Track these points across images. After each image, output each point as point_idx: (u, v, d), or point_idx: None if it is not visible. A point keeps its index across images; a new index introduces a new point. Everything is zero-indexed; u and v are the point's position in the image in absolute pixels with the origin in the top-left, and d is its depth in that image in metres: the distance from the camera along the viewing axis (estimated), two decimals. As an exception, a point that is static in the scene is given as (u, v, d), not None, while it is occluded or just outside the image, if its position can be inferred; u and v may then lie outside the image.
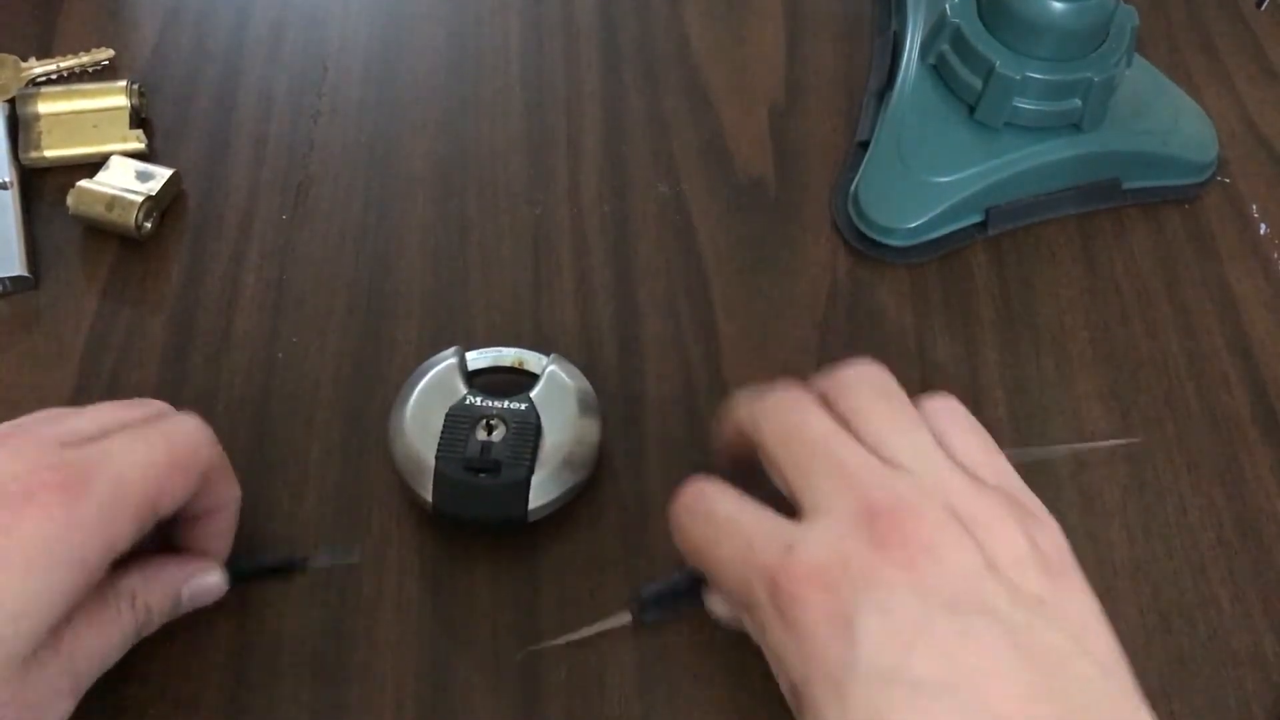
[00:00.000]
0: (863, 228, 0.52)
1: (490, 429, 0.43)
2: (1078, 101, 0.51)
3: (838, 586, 0.30)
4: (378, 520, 0.44)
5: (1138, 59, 0.54)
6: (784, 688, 0.32)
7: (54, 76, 0.56)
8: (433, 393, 0.44)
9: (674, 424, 0.47)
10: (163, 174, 0.51)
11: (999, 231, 0.53)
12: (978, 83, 0.51)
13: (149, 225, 0.51)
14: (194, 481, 0.37)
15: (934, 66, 0.54)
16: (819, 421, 0.34)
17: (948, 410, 0.36)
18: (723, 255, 0.52)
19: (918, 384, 0.48)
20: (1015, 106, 0.51)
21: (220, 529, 0.40)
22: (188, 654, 0.41)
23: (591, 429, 0.44)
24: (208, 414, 0.39)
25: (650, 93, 0.58)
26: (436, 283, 0.51)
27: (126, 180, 0.51)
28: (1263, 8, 0.62)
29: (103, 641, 0.35)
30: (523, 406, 0.43)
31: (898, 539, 0.30)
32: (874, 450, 0.33)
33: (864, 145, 0.54)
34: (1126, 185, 0.54)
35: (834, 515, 0.32)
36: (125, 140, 0.53)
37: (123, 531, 0.34)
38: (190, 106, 0.56)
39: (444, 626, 0.42)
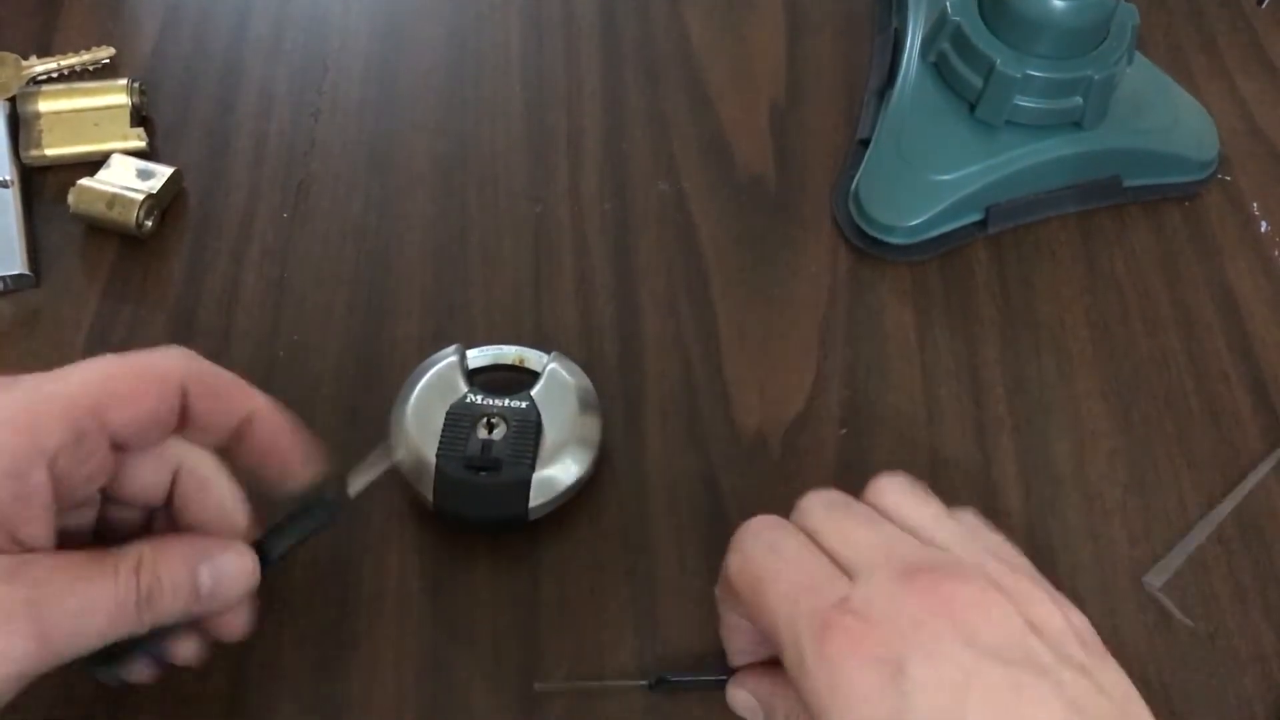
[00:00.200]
0: (863, 226, 0.52)
1: (491, 427, 0.43)
2: (1078, 99, 0.51)
3: (888, 637, 0.30)
4: (378, 519, 0.44)
5: (1138, 57, 0.54)
6: None
7: (55, 75, 0.56)
8: (433, 391, 0.44)
9: (674, 422, 0.47)
10: (163, 172, 0.51)
11: (999, 229, 0.53)
12: (978, 81, 0.51)
13: (150, 223, 0.51)
14: (161, 392, 0.34)
15: (934, 64, 0.54)
16: (857, 509, 0.35)
17: (975, 515, 0.36)
18: (723, 253, 0.52)
19: (918, 382, 0.48)
20: (1016, 104, 0.51)
21: (272, 441, 0.36)
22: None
23: (592, 427, 0.44)
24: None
25: (651, 91, 0.58)
26: (437, 281, 0.51)
27: (127, 178, 0.51)
28: (1264, 5, 0.62)
29: (84, 598, 0.31)
30: (523, 405, 0.43)
31: (944, 593, 0.31)
32: (913, 534, 0.34)
33: (864, 143, 0.54)
34: (1127, 183, 0.54)
35: (879, 573, 0.32)
36: (126, 138, 0.53)
37: (52, 432, 0.31)
38: (191, 105, 0.56)
39: (444, 626, 0.42)
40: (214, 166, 0.54)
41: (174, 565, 0.33)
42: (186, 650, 0.36)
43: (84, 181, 0.51)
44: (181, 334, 0.49)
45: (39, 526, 0.32)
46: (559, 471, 0.42)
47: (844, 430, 0.47)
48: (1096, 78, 0.50)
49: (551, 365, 0.45)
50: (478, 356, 0.46)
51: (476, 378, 0.45)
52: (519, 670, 0.41)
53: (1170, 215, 0.54)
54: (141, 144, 0.53)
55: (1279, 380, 0.49)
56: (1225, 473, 0.46)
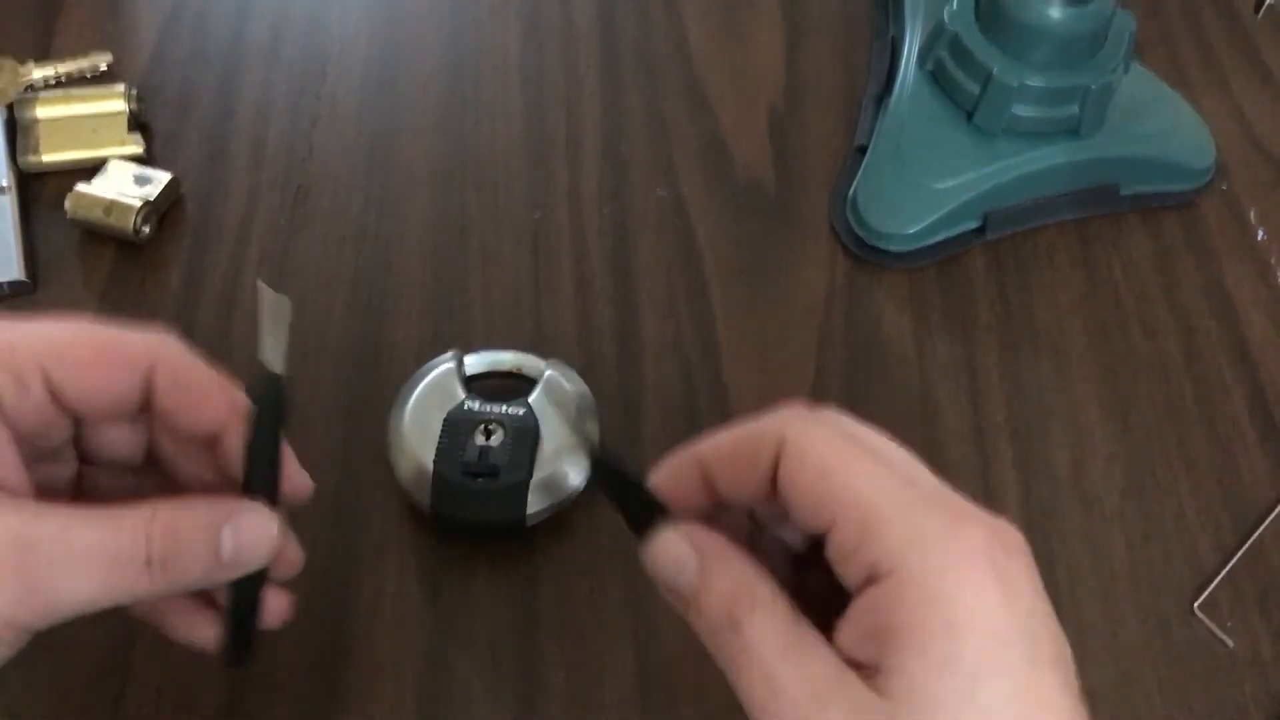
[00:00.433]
0: (861, 233, 0.52)
1: (489, 434, 0.43)
2: (1075, 107, 0.51)
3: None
4: (376, 525, 0.44)
5: (1135, 65, 0.54)
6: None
7: (52, 81, 0.56)
8: (430, 397, 0.44)
9: (673, 427, 0.47)
10: (161, 178, 0.51)
11: (997, 236, 0.53)
12: (976, 89, 0.51)
13: (147, 229, 0.51)
14: (118, 369, 0.32)
15: (932, 72, 0.54)
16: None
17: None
18: (722, 258, 0.52)
19: (917, 388, 0.48)
20: (1013, 113, 0.51)
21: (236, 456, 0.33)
22: (187, 654, 0.40)
23: (590, 434, 0.44)
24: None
25: (649, 95, 0.58)
26: (436, 284, 0.51)
27: (125, 184, 0.51)
28: (1260, 14, 0.62)
29: (78, 542, 0.29)
30: (521, 411, 0.43)
31: (1003, 539, 0.29)
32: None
33: (862, 150, 0.54)
34: (1124, 191, 0.54)
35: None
36: (124, 144, 0.53)
37: None
38: (189, 110, 0.56)
39: (443, 629, 0.42)
40: (212, 172, 0.54)
41: (193, 527, 0.31)
42: (278, 605, 0.35)
43: (81, 187, 0.51)
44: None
45: (7, 469, 0.30)
46: (556, 478, 0.42)
47: (842, 436, 0.47)
48: (1093, 86, 0.50)
49: (549, 372, 0.45)
50: (475, 363, 0.46)
51: (474, 384, 0.45)
52: (517, 676, 0.41)
53: (1167, 222, 0.55)
54: (139, 150, 0.53)
55: (1276, 385, 0.49)
56: (1222, 478, 0.46)
